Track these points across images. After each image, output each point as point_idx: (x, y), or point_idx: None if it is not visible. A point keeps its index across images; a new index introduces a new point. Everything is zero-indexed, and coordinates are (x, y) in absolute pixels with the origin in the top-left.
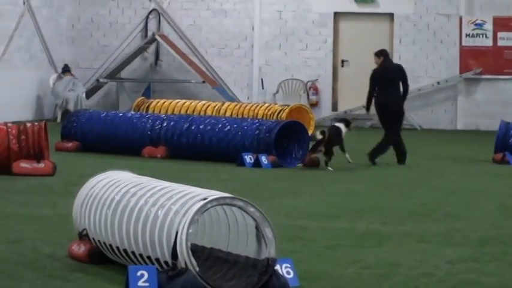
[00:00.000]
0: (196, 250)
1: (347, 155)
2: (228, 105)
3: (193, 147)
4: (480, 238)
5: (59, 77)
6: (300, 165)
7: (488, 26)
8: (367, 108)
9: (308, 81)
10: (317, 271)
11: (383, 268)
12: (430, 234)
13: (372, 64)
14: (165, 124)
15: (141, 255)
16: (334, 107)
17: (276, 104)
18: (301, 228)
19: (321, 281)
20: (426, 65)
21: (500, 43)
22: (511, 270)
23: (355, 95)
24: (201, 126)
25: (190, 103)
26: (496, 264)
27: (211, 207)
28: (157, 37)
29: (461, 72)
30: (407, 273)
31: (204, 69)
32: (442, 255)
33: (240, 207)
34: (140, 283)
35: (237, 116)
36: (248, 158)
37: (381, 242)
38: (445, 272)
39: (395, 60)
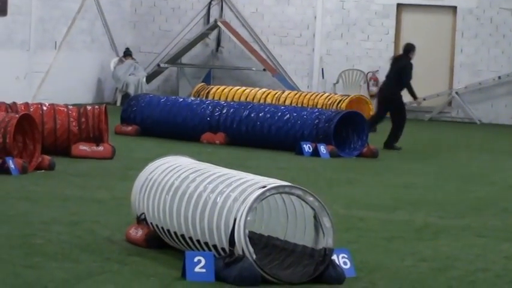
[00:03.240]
0: (253, 238)
1: None
2: (288, 94)
3: (252, 134)
4: None
5: (120, 61)
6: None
7: None
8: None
9: (368, 72)
10: (374, 262)
11: (440, 262)
12: (488, 229)
13: (432, 56)
14: (224, 111)
15: (198, 241)
16: None
17: (336, 94)
18: (359, 219)
19: (378, 272)
20: (488, 59)
21: None
22: None
23: (415, 87)
24: (260, 114)
25: (250, 90)
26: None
27: (270, 195)
28: (219, 23)
29: None
30: (464, 268)
31: (264, 57)
32: (499, 250)
33: (298, 196)
34: (197, 269)
35: (297, 104)
36: (307, 147)
37: (438, 235)
38: (502, 267)
39: (457, 53)
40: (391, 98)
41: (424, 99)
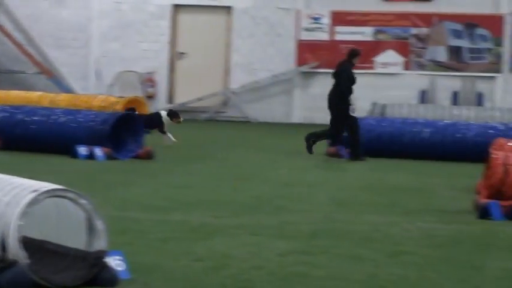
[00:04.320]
0: (26, 242)
1: (169, 135)
2: (64, 97)
3: (27, 138)
4: (311, 231)
5: None
6: None
7: (325, 20)
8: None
9: (144, 73)
10: (149, 263)
11: (214, 261)
12: (262, 227)
13: (208, 57)
14: None
15: None
16: (170, 100)
17: (112, 95)
18: (134, 221)
19: (153, 273)
20: (263, 59)
21: (337, 37)
22: (340, 262)
23: (191, 87)
24: (35, 118)
25: (26, 94)
26: (325, 257)
27: (42, 199)
28: None
29: (297, 65)
30: (239, 266)
31: (40, 59)
32: (273, 247)
33: (71, 199)
34: None
35: (73, 107)
36: (82, 150)
37: (213, 235)
38: (276, 265)
39: (233, 54)
40: (341, 107)
41: (200, 99)
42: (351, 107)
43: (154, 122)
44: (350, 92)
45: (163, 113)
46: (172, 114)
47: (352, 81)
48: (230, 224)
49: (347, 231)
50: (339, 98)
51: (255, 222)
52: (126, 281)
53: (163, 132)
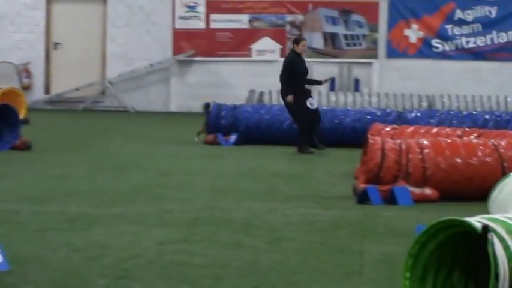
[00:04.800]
0: None
1: None
2: None
3: None
4: (191, 219)
5: None
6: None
7: (201, 9)
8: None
9: (20, 64)
10: (27, 255)
11: (93, 251)
12: (141, 216)
13: (84, 47)
14: None
15: None
16: (47, 90)
17: None
18: (11, 212)
19: (31, 264)
20: (139, 48)
21: (212, 25)
22: (220, 250)
23: (68, 78)
24: None
25: None
26: (205, 245)
27: None
28: None
29: (174, 54)
30: (118, 255)
31: None
32: (152, 236)
33: None
34: None
35: None
36: None
37: (92, 225)
38: (155, 253)
39: (109, 43)
40: (283, 97)
41: (78, 90)
42: (308, 100)
43: None
44: (284, 82)
45: None
46: None
47: (289, 71)
48: (109, 214)
49: (227, 218)
50: (281, 90)
51: (134, 212)
52: (4, 272)
53: None
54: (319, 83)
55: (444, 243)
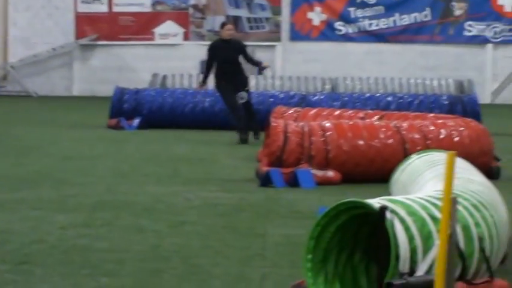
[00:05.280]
0: None
1: None
2: None
3: None
4: (93, 203)
5: None
6: None
7: None
8: None
9: None
10: None
11: None
12: (43, 201)
13: None
14: None
15: None
16: None
17: None
18: None
19: None
20: (41, 32)
21: (115, 9)
22: (122, 234)
23: None
24: None
25: None
26: (107, 229)
27: None
28: None
29: (77, 38)
30: (20, 240)
31: None
32: (54, 221)
33: None
34: None
35: None
36: None
37: None
38: (57, 238)
39: (11, 27)
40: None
41: None
42: (238, 94)
43: None
44: (207, 68)
45: None
46: None
47: (208, 56)
48: (10, 199)
49: (129, 202)
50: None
51: (36, 197)
52: None
53: None
54: (258, 64)
55: (345, 225)
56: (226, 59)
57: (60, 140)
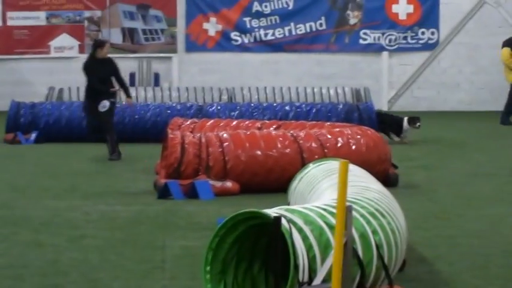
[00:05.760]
0: None
1: None
2: None
3: None
4: None
5: None
6: None
7: None
8: None
9: None
10: None
11: None
12: None
13: None
14: None
15: None
16: None
17: None
18: None
19: None
20: None
21: (9, 23)
22: (20, 249)
23: None
24: None
25: None
26: (5, 245)
27: None
28: None
29: None
30: None
31: None
32: None
33: None
34: None
35: None
36: None
37: None
38: None
39: None
40: None
41: None
42: (101, 102)
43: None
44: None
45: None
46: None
47: (89, 75)
48: None
49: (26, 217)
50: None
51: None
52: None
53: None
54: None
55: (243, 235)
56: (101, 78)
57: None
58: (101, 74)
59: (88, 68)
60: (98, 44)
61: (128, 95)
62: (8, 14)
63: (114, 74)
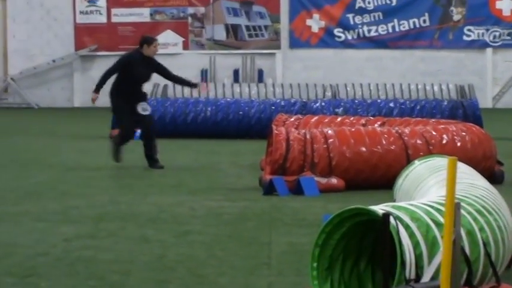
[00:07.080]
0: None
1: None
2: None
3: None
4: (97, 214)
5: None
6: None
7: (102, 3)
8: None
9: None
10: None
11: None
12: (47, 213)
13: None
14: None
15: None
16: None
17: None
18: None
19: None
20: (41, 44)
21: (114, 19)
22: (127, 245)
23: None
24: None
25: None
26: (112, 240)
27: None
28: None
29: (76, 49)
30: (24, 253)
31: None
32: (58, 233)
33: None
34: None
35: None
36: None
37: None
38: (62, 250)
39: (10, 39)
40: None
41: None
42: (140, 104)
43: None
44: (113, 81)
45: None
46: None
47: (122, 70)
48: (13, 212)
49: (133, 213)
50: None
51: (39, 209)
52: None
53: None
54: (189, 84)
55: (350, 232)
56: (139, 78)
57: (62, 151)
58: (141, 73)
59: (129, 63)
60: (146, 41)
61: (192, 84)
62: (112, 11)
63: (161, 72)
